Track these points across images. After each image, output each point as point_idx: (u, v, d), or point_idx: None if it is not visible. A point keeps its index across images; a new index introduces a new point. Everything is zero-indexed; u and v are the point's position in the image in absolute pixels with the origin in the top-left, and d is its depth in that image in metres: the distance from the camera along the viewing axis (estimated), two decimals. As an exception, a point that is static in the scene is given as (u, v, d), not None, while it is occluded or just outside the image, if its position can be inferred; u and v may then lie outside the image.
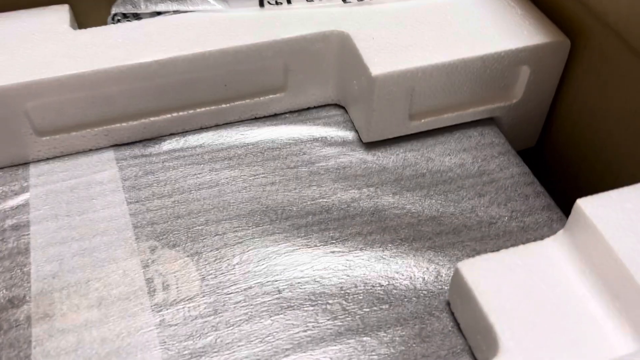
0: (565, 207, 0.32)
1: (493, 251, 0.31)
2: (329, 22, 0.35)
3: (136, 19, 0.36)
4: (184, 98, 0.35)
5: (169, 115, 0.36)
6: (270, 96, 0.37)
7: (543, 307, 0.25)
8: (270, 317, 0.28)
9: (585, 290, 0.26)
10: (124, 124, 0.35)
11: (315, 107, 0.39)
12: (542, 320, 0.25)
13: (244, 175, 0.34)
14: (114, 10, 0.36)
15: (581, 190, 0.38)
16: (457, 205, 0.33)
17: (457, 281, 0.27)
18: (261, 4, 0.36)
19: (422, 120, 0.36)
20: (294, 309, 0.29)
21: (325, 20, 0.35)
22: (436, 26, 0.35)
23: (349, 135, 0.37)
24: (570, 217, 0.27)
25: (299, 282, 0.30)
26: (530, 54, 0.35)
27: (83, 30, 0.34)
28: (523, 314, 0.25)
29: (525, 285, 0.26)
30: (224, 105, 0.36)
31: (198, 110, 0.36)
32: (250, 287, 0.29)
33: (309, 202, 0.33)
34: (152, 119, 0.35)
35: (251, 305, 0.29)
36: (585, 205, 0.26)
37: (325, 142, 0.36)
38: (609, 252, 0.25)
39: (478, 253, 0.31)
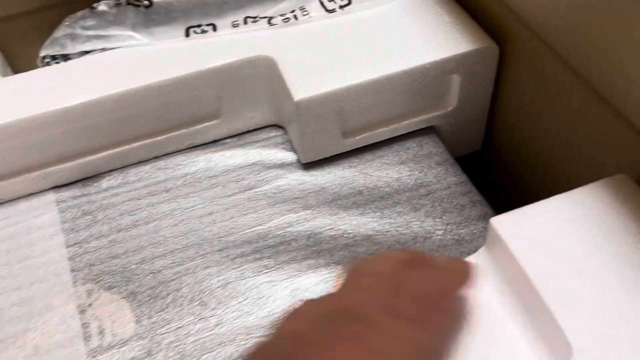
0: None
1: (426, 268, 0.31)
2: (255, 47, 0.35)
3: (64, 60, 0.36)
4: (118, 135, 0.35)
5: (105, 153, 0.36)
6: (206, 124, 0.37)
7: (465, 332, 0.25)
8: (203, 355, 0.29)
9: (504, 311, 0.26)
10: (61, 166, 0.35)
11: (255, 130, 0.39)
12: (463, 346, 0.25)
13: (181, 208, 0.35)
14: (42, 53, 0.36)
15: (526, 192, 0.38)
16: (392, 222, 0.33)
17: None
18: (187, 34, 0.36)
19: (357, 137, 0.36)
20: (225, 345, 0.29)
21: (251, 45, 0.35)
22: (362, 42, 0.35)
23: (288, 156, 0.37)
24: (488, 235, 0.27)
25: (232, 316, 0.30)
26: (458, 63, 0.34)
27: (10, 78, 0.35)
28: (441, 339, 0.25)
29: (445, 309, 0.26)
30: (159, 138, 0.36)
31: (134, 144, 0.36)
32: (182, 326, 0.30)
33: (245, 230, 0.33)
34: (88, 158, 0.36)
35: (184, 344, 0.29)
36: (499, 224, 0.26)
37: (263, 165, 0.36)
38: (521, 272, 0.25)
39: (411, 271, 0.31)
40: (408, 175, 0.35)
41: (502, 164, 0.40)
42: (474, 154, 0.41)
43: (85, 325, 0.30)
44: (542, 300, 0.23)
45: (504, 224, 0.26)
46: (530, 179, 0.37)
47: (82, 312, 0.30)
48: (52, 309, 0.31)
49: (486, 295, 0.26)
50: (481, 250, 0.28)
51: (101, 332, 0.30)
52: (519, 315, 0.25)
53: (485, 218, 0.33)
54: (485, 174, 0.40)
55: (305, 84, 0.33)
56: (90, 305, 0.31)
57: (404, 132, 0.37)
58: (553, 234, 0.25)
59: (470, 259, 0.28)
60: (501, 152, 0.39)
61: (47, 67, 0.35)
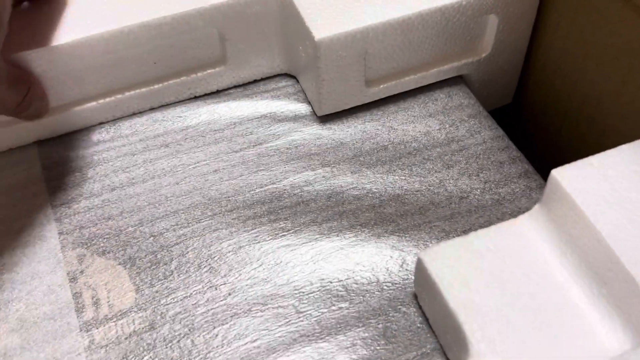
0: (547, 172, 0.28)
1: (465, 230, 0.28)
2: (266, -19, 0.31)
3: (46, -5, 0.31)
4: (109, 82, 0.31)
5: (94, 103, 0.31)
6: (209, 71, 0.33)
7: (519, 300, 0.22)
8: (214, 328, 0.25)
9: (566, 275, 0.22)
10: (45, 118, 0.31)
11: (262, 79, 0.34)
12: (519, 315, 0.21)
13: (183, 164, 0.31)
14: (21, -13, 0.32)
15: (564, 152, 0.35)
16: (423, 180, 0.30)
17: (420, 273, 0.24)
18: (187, -33, 0.31)
19: (381, 86, 0.32)
20: (240, 317, 0.25)
21: (261, -21, 0.31)
22: (388, -24, 0.31)
23: (301, 108, 0.33)
24: (546, 190, 0.23)
25: (246, 284, 0.26)
26: (497, 1, 0.30)
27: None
28: (496, 309, 0.22)
29: (498, 274, 0.22)
30: (156, 86, 0.32)
31: (127, 94, 0.32)
32: (190, 295, 0.26)
33: (257, 190, 0.30)
34: (76, 108, 0.31)
35: (192, 316, 0.25)
36: (562, 175, 0.22)
37: (274, 118, 0.33)
38: (591, 230, 0.21)
39: (447, 234, 0.27)
40: (438, 129, 0.32)
41: (535, 120, 0.36)
42: (500, 109, 0.37)
43: (76, 295, 0.26)
44: (619, 262, 0.20)
45: (568, 176, 0.22)
46: (570, 137, 0.34)
47: (72, 280, 0.26)
48: (38, 277, 0.27)
49: (544, 258, 0.23)
50: (535, 209, 0.24)
51: (96, 303, 0.26)
52: (586, 280, 0.22)
53: (527, 175, 0.30)
54: (513, 131, 0.36)
55: (327, 22, 0.29)
56: (82, 272, 0.27)
57: (432, 81, 0.33)
58: (624, 187, 0.22)
59: (522, 218, 0.24)
60: (536, 105, 0.35)
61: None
